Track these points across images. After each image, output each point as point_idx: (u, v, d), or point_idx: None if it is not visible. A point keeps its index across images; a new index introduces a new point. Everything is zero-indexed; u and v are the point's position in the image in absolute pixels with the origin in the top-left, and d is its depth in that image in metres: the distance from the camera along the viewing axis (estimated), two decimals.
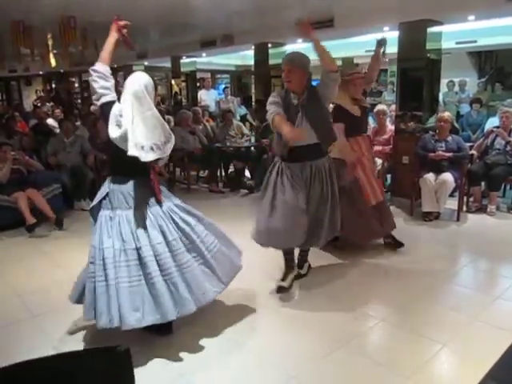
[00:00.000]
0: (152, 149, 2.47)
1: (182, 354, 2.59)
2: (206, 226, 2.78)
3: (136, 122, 2.46)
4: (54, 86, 18.46)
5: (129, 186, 2.60)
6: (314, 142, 3.12)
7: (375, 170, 4.12)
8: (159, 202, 2.63)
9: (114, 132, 2.50)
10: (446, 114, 5.38)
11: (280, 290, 3.34)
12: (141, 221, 2.54)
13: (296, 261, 3.58)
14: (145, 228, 2.53)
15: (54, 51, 9.72)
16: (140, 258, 2.48)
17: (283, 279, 3.39)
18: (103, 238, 2.52)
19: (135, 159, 2.41)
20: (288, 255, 3.48)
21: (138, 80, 2.59)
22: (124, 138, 2.46)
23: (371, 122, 6.40)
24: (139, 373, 1.20)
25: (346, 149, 3.79)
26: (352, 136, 3.89)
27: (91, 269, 2.52)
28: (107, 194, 2.65)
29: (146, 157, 2.44)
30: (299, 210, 3.12)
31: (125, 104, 2.52)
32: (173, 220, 2.64)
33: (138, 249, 2.49)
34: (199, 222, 2.76)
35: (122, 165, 2.61)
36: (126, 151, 2.42)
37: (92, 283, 2.48)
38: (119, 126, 2.50)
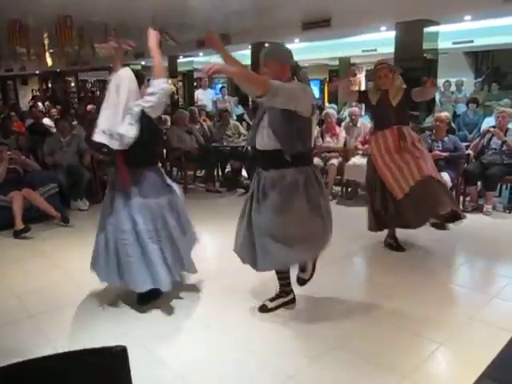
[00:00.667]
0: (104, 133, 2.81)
1: (180, 354, 2.58)
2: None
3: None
4: (50, 85, 18.41)
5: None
6: (274, 149, 2.67)
7: (418, 155, 3.83)
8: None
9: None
10: (444, 114, 5.39)
11: (261, 308, 3.09)
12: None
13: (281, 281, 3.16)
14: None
15: (51, 50, 9.70)
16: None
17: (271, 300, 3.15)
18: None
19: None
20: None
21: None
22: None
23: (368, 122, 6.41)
24: (136, 373, 1.20)
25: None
26: (378, 129, 3.95)
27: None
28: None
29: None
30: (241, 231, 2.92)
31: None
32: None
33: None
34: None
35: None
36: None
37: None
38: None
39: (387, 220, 4.00)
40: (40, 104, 12.59)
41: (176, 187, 3.17)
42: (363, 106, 4.13)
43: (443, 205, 3.81)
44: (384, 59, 4.17)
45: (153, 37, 2.94)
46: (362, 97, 4.14)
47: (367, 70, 4.19)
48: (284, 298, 3.10)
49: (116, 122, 2.78)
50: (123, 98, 2.80)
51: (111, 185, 3.10)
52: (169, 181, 3.15)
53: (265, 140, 2.70)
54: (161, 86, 2.85)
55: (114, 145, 2.82)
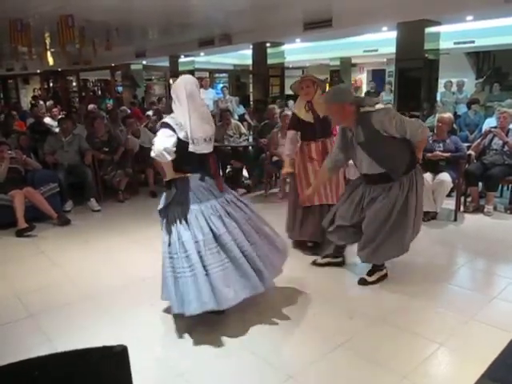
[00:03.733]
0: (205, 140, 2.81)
1: (180, 354, 2.58)
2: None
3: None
4: (51, 84, 18.42)
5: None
6: (379, 172, 3.20)
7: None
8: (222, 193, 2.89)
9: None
10: (446, 115, 5.38)
11: (313, 262, 3.81)
12: (213, 211, 2.78)
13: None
14: (219, 217, 2.77)
15: (52, 50, 9.71)
16: (221, 245, 2.72)
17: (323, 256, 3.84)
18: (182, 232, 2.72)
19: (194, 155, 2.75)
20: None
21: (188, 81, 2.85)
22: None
23: None
24: (136, 372, 1.20)
25: (286, 160, 4.12)
26: (305, 140, 4.04)
27: (174, 263, 2.71)
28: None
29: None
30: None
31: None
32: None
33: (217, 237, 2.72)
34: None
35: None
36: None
37: (176, 276, 2.69)
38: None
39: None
40: (42, 103, 12.59)
41: None
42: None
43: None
44: (309, 75, 4.12)
45: None
46: (296, 125, 4.03)
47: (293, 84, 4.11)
48: (380, 271, 3.50)
49: (205, 125, 2.86)
50: (202, 102, 2.95)
51: (197, 194, 2.79)
52: None
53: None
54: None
55: (211, 147, 2.92)
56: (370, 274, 3.47)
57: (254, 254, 2.80)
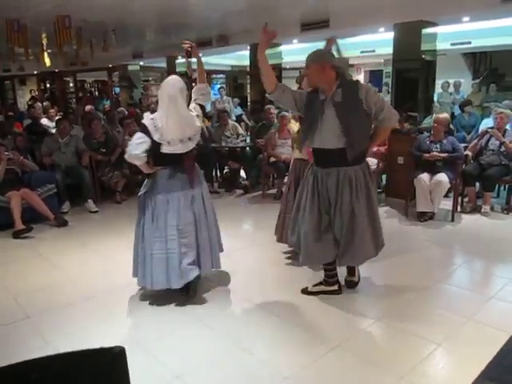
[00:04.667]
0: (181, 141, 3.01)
1: (178, 355, 2.58)
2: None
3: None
4: (48, 85, 18.37)
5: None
6: (339, 147, 2.89)
7: None
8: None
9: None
10: (442, 116, 5.39)
11: (303, 290, 3.35)
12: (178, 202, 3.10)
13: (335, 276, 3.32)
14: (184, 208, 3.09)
15: (49, 51, 9.68)
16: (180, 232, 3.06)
17: (314, 285, 3.35)
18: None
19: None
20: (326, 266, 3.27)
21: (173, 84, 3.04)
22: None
23: None
24: (134, 374, 1.20)
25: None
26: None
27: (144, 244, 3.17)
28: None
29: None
30: (317, 229, 3.03)
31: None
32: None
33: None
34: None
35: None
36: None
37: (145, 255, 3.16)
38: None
39: None
40: (39, 104, 12.56)
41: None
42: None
43: None
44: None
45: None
46: None
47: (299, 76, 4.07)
48: (326, 286, 3.30)
49: (195, 125, 3.06)
50: (183, 106, 3.03)
51: (164, 187, 3.09)
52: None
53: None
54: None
55: (187, 147, 3.07)
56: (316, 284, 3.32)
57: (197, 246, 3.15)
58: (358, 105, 2.85)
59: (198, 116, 3.14)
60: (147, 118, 3.04)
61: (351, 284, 3.37)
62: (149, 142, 2.95)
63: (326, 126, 2.90)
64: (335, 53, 3.94)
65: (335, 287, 3.29)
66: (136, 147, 2.96)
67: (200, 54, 3.43)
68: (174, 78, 3.09)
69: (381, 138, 3.25)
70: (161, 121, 2.95)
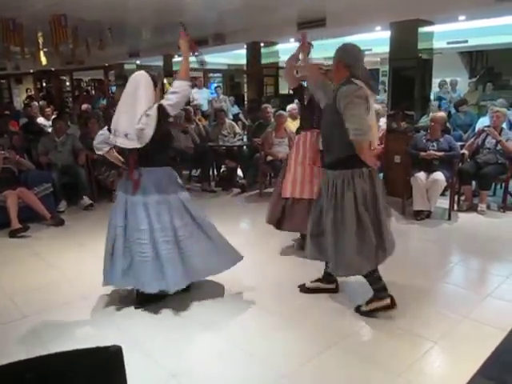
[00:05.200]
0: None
1: (175, 354, 2.58)
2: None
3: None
4: (44, 84, 18.30)
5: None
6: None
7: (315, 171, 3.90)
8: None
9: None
10: (439, 115, 5.40)
11: (300, 287, 3.33)
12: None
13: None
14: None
15: (45, 49, 9.64)
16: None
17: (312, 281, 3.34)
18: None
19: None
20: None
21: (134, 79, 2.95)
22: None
23: None
24: (131, 373, 1.20)
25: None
26: (303, 130, 4.04)
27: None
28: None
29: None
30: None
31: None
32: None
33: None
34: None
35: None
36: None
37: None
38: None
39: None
40: (35, 103, 12.52)
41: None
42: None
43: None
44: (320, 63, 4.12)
45: (184, 41, 2.96)
46: (299, 91, 4.07)
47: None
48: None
49: (134, 123, 2.83)
50: (141, 102, 2.85)
51: (123, 186, 3.08)
52: (180, 181, 3.30)
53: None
54: (183, 87, 2.90)
55: (131, 144, 2.89)
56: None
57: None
58: (333, 110, 2.74)
59: (148, 116, 2.81)
60: None
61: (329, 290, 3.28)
62: (107, 134, 3.02)
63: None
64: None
65: (332, 285, 3.28)
66: (97, 137, 3.13)
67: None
68: (137, 73, 3.01)
69: (362, 154, 2.72)
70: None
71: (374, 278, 2.91)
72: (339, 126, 2.69)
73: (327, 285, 3.28)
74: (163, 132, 2.91)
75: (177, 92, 2.87)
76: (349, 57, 2.87)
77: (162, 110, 2.83)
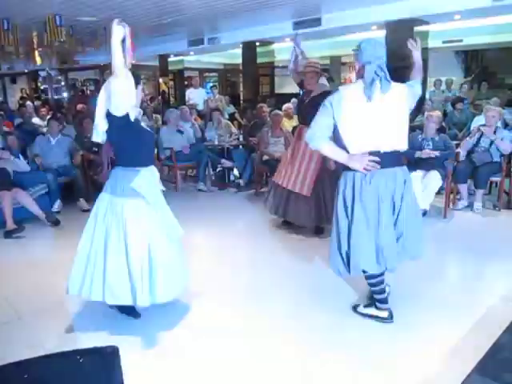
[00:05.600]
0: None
1: (172, 354, 2.58)
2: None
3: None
4: (39, 84, 18.25)
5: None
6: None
7: (301, 163, 4.32)
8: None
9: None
10: (435, 113, 5.42)
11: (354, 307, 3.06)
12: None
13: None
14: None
15: (40, 49, 9.61)
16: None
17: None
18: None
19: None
20: None
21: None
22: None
23: None
24: (128, 373, 1.19)
25: None
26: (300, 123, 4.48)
27: None
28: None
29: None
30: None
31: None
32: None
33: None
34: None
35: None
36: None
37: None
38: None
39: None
40: (29, 103, 12.47)
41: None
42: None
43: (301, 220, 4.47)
44: (315, 62, 4.43)
45: (116, 33, 2.67)
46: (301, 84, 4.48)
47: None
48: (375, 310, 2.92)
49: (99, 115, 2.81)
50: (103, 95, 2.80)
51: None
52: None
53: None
54: (115, 86, 2.65)
55: (98, 139, 2.86)
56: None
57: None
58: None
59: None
60: None
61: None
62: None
63: None
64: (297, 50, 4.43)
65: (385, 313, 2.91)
66: None
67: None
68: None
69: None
70: None
71: (378, 286, 2.85)
72: None
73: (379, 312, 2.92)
74: (129, 132, 2.79)
75: (113, 94, 2.69)
76: (363, 55, 2.71)
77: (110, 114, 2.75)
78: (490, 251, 4.12)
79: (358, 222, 2.66)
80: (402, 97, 2.70)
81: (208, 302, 3.19)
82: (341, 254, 2.80)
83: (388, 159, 2.62)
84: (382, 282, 2.84)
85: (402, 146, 2.72)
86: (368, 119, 2.61)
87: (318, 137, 2.64)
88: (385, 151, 2.62)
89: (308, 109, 4.01)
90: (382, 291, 2.87)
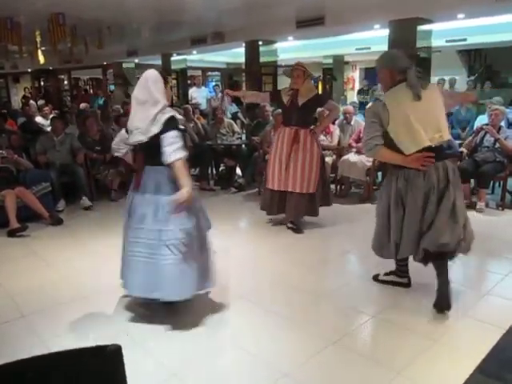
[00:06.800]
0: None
1: (175, 353, 2.58)
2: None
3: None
4: (42, 83, 18.28)
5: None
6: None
7: (295, 164, 4.46)
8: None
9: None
10: None
11: (374, 277, 3.45)
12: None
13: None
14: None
15: (43, 48, 9.63)
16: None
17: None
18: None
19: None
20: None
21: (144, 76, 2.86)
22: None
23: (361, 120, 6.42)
24: (131, 372, 1.20)
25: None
26: (284, 124, 4.56)
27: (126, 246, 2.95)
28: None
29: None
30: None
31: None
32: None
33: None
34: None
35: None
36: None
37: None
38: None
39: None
40: (32, 102, 12.50)
41: None
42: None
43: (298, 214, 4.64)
44: (301, 62, 4.59)
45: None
46: (274, 96, 4.77)
47: (285, 68, 4.84)
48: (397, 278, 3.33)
49: (147, 119, 2.72)
50: (154, 98, 2.74)
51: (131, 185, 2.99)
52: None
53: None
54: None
55: (139, 139, 2.79)
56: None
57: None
58: None
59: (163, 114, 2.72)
60: None
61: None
62: (125, 135, 2.93)
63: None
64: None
65: (405, 280, 3.34)
66: (114, 139, 3.07)
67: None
68: (147, 71, 2.91)
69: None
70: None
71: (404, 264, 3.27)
72: None
73: (401, 279, 3.33)
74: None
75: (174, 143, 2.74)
76: (397, 62, 2.94)
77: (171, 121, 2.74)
78: (493, 251, 4.11)
79: (410, 213, 2.88)
80: (437, 92, 2.93)
81: (209, 301, 3.19)
82: (389, 243, 3.04)
83: (439, 152, 2.83)
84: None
85: (448, 135, 2.94)
86: (417, 117, 2.77)
87: (374, 145, 2.83)
88: (435, 145, 2.79)
89: (302, 112, 4.39)
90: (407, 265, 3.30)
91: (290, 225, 4.68)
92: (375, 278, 3.44)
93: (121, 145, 3.00)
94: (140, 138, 2.73)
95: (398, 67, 2.88)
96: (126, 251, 2.93)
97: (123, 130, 3.00)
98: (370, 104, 5.87)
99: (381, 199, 3.10)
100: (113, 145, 3.08)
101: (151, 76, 2.82)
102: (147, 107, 2.72)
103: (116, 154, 3.12)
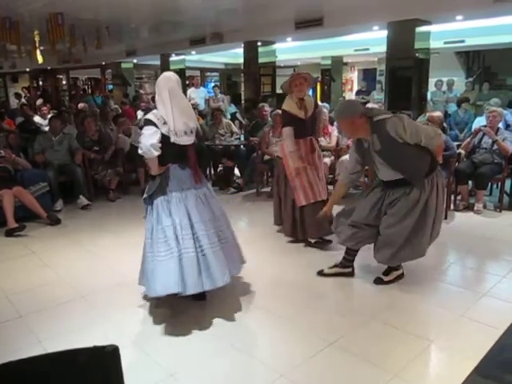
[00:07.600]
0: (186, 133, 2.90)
1: (171, 354, 2.58)
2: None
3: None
4: (41, 83, 18.25)
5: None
6: (398, 178, 3.17)
7: (319, 171, 4.28)
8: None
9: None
10: (436, 114, 5.41)
11: (319, 272, 3.60)
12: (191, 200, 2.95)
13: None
14: (196, 206, 2.95)
15: (41, 48, 9.62)
16: (194, 233, 2.88)
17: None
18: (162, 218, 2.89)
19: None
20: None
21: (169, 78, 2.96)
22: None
23: None
24: (128, 372, 1.20)
25: (293, 155, 4.11)
26: (295, 138, 4.13)
27: (153, 247, 2.88)
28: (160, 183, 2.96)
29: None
30: None
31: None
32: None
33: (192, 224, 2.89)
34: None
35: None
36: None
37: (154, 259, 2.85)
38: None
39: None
40: (23, 101, 12.49)
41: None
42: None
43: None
44: (301, 72, 4.31)
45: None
46: (289, 120, 4.14)
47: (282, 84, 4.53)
48: (397, 271, 3.49)
49: (193, 120, 2.99)
50: (183, 97, 3.03)
51: (177, 183, 2.95)
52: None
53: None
54: None
55: (191, 140, 2.96)
56: (386, 273, 3.46)
57: (217, 249, 2.94)
58: (396, 144, 3.02)
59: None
60: (150, 114, 2.92)
61: (379, 281, 3.49)
62: (160, 133, 2.83)
63: (380, 168, 3.21)
64: None
65: (349, 270, 3.57)
66: (150, 137, 2.80)
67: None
68: (168, 73, 3.05)
69: (439, 152, 3.31)
70: (166, 114, 2.85)
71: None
72: (411, 149, 3.06)
73: (345, 269, 3.56)
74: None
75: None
76: (359, 107, 3.17)
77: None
78: (491, 252, 4.12)
79: (429, 216, 3.22)
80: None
81: (207, 302, 3.19)
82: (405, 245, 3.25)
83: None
84: None
85: None
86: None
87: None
88: None
89: (312, 120, 4.23)
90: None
91: (313, 240, 4.33)
92: (320, 273, 3.59)
93: (155, 149, 2.82)
94: (191, 139, 2.93)
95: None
96: (163, 254, 2.82)
97: (157, 129, 2.84)
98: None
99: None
100: (147, 146, 2.80)
101: (175, 79, 2.97)
102: (189, 105, 3.05)
103: (148, 157, 2.86)
